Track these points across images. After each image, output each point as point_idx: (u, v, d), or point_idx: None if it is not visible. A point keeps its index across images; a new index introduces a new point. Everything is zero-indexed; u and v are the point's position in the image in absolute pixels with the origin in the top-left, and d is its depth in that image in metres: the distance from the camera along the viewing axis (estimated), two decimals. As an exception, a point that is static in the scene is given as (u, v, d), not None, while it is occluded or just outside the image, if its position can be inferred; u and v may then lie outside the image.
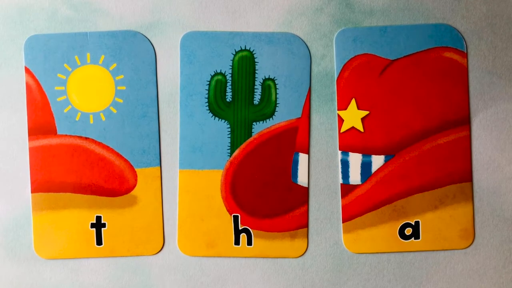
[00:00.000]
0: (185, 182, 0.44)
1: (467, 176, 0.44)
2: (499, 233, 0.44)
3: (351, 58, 0.44)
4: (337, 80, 0.44)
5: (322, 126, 0.44)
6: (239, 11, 0.44)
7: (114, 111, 0.43)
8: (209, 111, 0.43)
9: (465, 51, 0.44)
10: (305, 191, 0.44)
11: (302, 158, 0.44)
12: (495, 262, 0.44)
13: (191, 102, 0.44)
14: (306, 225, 0.44)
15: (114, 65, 0.43)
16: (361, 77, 0.44)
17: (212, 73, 0.43)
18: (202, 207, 0.44)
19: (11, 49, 0.44)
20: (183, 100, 0.44)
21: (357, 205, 0.44)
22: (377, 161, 0.44)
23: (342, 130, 0.44)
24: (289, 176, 0.44)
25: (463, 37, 0.44)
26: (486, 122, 0.44)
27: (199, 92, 0.43)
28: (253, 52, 0.43)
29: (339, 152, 0.44)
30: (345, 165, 0.44)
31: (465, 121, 0.44)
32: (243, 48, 0.43)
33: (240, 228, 0.44)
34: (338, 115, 0.44)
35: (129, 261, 0.44)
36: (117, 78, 0.43)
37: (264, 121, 0.44)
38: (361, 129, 0.44)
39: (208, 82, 0.43)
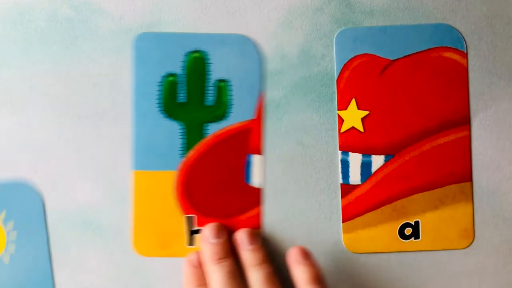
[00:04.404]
0: (139, 183, 0.43)
1: (467, 176, 0.44)
2: (499, 233, 0.44)
3: (351, 58, 0.44)
4: (337, 80, 0.44)
5: (322, 126, 0.44)
6: (239, 11, 0.44)
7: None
8: (162, 112, 0.43)
9: (465, 51, 0.44)
10: (259, 192, 0.44)
11: (256, 159, 0.44)
12: (495, 262, 0.44)
13: (144, 103, 0.43)
14: (259, 226, 0.44)
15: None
16: (361, 77, 0.44)
17: (165, 74, 0.43)
18: (157, 208, 0.44)
19: (11, 49, 0.44)
20: (136, 102, 0.43)
21: (357, 205, 0.44)
22: (377, 161, 0.44)
23: (342, 130, 0.44)
24: (242, 177, 0.44)
25: (463, 37, 0.44)
26: (486, 122, 0.44)
27: (152, 93, 0.43)
28: (206, 53, 0.43)
29: (339, 152, 0.44)
30: (345, 165, 0.44)
31: (465, 121, 0.44)
32: (196, 49, 0.43)
33: (194, 229, 0.44)
34: (338, 115, 0.44)
35: (129, 262, 0.44)
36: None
37: (217, 122, 0.44)
38: (361, 129, 0.44)
39: (160, 83, 0.43)
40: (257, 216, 0.44)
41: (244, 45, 0.43)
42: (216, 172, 0.43)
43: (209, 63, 0.43)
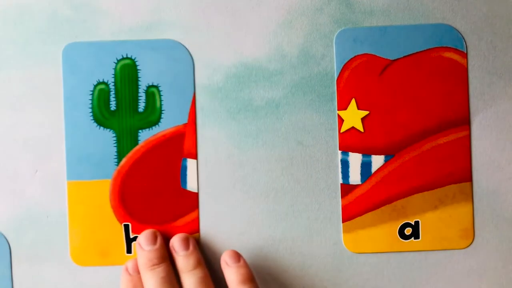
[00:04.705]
0: (73, 193, 0.43)
1: (467, 176, 0.44)
2: (499, 233, 0.44)
3: (351, 58, 0.44)
4: (337, 80, 0.44)
5: (322, 126, 0.44)
6: (239, 11, 0.44)
7: None
8: (93, 120, 0.43)
9: (465, 51, 0.44)
10: (195, 196, 0.44)
11: (191, 163, 0.44)
12: (495, 262, 0.44)
13: (75, 112, 0.43)
14: (198, 230, 0.44)
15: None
16: (361, 77, 0.44)
17: (95, 83, 0.43)
18: (93, 217, 0.43)
19: (11, 49, 0.44)
20: (67, 111, 0.43)
21: (357, 205, 0.44)
22: (377, 161, 0.44)
23: (342, 130, 0.44)
24: (178, 182, 0.44)
25: (463, 37, 0.44)
26: (486, 122, 0.44)
27: (83, 102, 0.43)
28: (135, 60, 0.43)
29: (339, 152, 0.44)
30: (345, 165, 0.44)
31: (465, 121, 0.44)
32: (125, 56, 0.43)
33: (131, 237, 0.44)
34: (338, 115, 0.44)
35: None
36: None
37: (150, 128, 0.43)
38: (361, 129, 0.44)
39: (91, 92, 0.43)
40: (195, 221, 0.44)
41: (174, 50, 0.43)
42: (151, 178, 0.43)
43: (139, 70, 0.43)
